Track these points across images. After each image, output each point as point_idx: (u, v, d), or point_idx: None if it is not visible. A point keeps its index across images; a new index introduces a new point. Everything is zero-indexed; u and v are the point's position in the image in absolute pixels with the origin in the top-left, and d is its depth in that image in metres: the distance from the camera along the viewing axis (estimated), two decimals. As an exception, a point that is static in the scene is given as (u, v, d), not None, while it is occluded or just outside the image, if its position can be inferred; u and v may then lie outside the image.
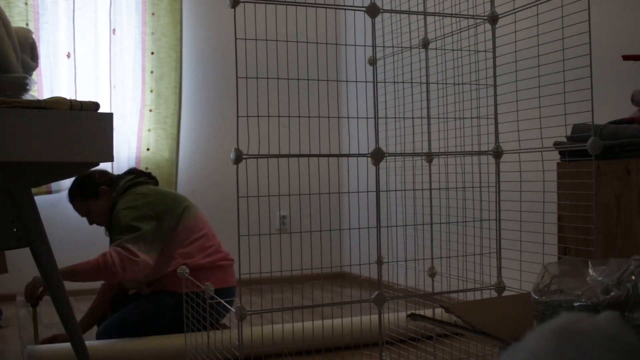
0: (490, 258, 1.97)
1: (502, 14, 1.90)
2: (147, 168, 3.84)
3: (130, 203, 2.45)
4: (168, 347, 2.23)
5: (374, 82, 1.77)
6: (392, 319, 2.24)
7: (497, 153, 1.90)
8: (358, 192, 1.92)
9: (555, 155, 2.02)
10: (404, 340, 2.15)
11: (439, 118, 2.09)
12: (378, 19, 1.72)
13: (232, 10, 1.56)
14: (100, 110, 1.62)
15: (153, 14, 3.86)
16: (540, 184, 1.79)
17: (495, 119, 1.92)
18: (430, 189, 2.02)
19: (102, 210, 2.56)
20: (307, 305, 1.80)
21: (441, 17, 2.01)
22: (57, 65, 3.70)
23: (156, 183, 2.72)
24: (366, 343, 2.24)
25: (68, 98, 1.58)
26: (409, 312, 1.46)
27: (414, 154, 1.93)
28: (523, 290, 1.80)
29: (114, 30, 3.83)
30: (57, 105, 1.55)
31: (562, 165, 1.93)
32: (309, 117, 1.80)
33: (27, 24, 3.59)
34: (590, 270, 1.05)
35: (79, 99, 2.12)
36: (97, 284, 3.78)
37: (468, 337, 2.17)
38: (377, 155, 1.70)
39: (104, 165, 3.79)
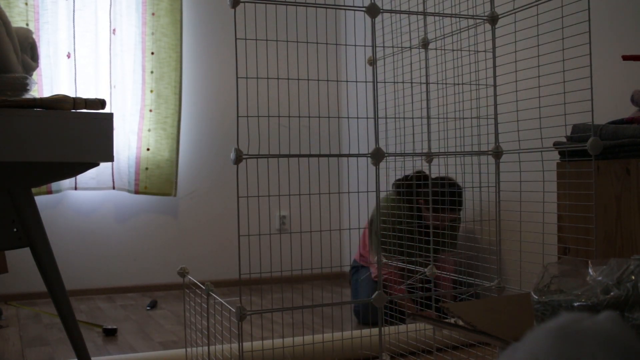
0: (490, 258, 1.97)
1: (502, 14, 1.90)
2: (147, 168, 3.84)
3: None
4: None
5: (373, 82, 1.77)
6: (393, 330, 2.24)
7: (497, 153, 1.90)
8: (358, 192, 1.92)
9: (555, 155, 2.02)
10: (405, 355, 2.15)
11: (438, 118, 2.09)
12: (378, 19, 1.72)
13: (232, 10, 1.56)
14: (100, 110, 1.62)
15: (153, 14, 3.86)
16: (540, 184, 1.79)
17: (495, 119, 1.92)
18: (430, 189, 2.02)
19: None
20: (307, 305, 1.81)
21: (441, 17, 2.01)
22: (57, 65, 3.70)
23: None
24: (367, 357, 2.23)
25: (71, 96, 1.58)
26: (409, 313, 1.46)
27: (414, 154, 1.93)
28: (523, 290, 1.79)
29: (114, 30, 3.83)
30: (60, 103, 1.55)
31: (562, 165, 1.93)
32: (309, 117, 1.80)
33: (27, 24, 3.59)
34: (590, 270, 1.05)
35: (79, 99, 2.12)
36: (93, 284, 3.78)
37: (468, 338, 2.17)
38: (377, 156, 1.70)
39: (103, 165, 3.79)
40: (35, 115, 1.53)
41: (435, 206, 2.70)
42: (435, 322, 1.33)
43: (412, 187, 2.76)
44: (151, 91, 3.87)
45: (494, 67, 1.92)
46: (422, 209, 2.90)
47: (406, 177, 2.76)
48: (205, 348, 1.96)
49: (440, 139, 2.12)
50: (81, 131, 1.57)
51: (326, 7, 1.78)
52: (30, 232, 1.67)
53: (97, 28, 3.81)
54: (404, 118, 2.16)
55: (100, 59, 3.82)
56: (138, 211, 3.93)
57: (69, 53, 3.72)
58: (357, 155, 1.74)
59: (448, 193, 2.71)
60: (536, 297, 1.05)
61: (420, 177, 2.71)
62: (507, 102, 1.94)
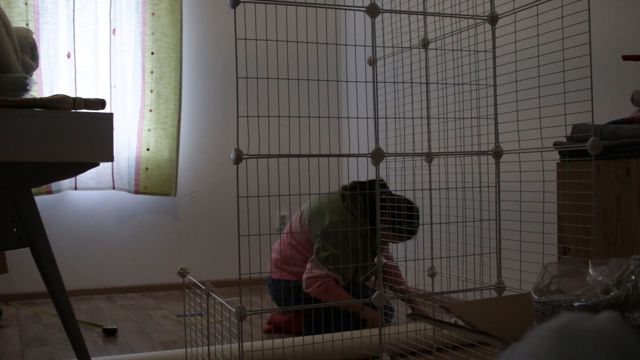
0: (490, 258, 1.97)
1: (502, 14, 1.90)
2: (147, 168, 3.84)
3: None
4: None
5: (373, 82, 1.77)
6: (393, 330, 2.24)
7: (497, 153, 1.90)
8: (358, 192, 1.92)
9: (555, 155, 2.02)
10: (405, 355, 2.15)
11: (439, 118, 2.09)
12: (378, 19, 1.72)
13: (232, 10, 1.56)
14: (100, 110, 1.62)
15: (153, 14, 3.86)
16: (540, 184, 1.79)
17: (495, 119, 1.92)
18: (430, 189, 2.02)
19: None
20: (307, 306, 1.81)
21: (441, 17, 2.01)
22: (57, 65, 3.70)
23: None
24: (367, 357, 2.23)
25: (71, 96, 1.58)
26: (409, 312, 1.46)
27: (414, 154, 1.93)
28: (523, 290, 1.80)
29: (114, 30, 3.83)
30: (60, 103, 1.55)
31: (562, 165, 1.93)
32: (309, 117, 1.80)
33: (27, 24, 3.59)
34: (590, 270, 1.05)
35: (79, 99, 2.12)
36: (93, 284, 3.78)
37: (468, 338, 2.17)
38: (377, 156, 1.70)
39: (103, 165, 3.80)
40: (35, 115, 1.53)
41: (395, 227, 2.50)
42: (435, 322, 1.33)
43: (366, 196, 2.48)
44: (151, 91, 3.87)
45: (494, 67, 1.92)
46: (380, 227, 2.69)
47: (360, 185, 2.52)
48: (205, 348, 1.96)
49: (440, 139, 2.12)
50: (81, 131, 1.57)
51: (326, 7, 1.78)
52: (30, 232, 1.67)
53: (97, 28, 3.80)
54: (404, 118, 2.16)
55: (100, 59, 3.82)
56: (138, 211, 3.93)
57: (69, 53, 3.72)
58: (357, 155, 1.74)
59: (407, 221, 2.51)
60: (536, 297, 1.05)
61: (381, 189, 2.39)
62: (507, 102, 1.94)
